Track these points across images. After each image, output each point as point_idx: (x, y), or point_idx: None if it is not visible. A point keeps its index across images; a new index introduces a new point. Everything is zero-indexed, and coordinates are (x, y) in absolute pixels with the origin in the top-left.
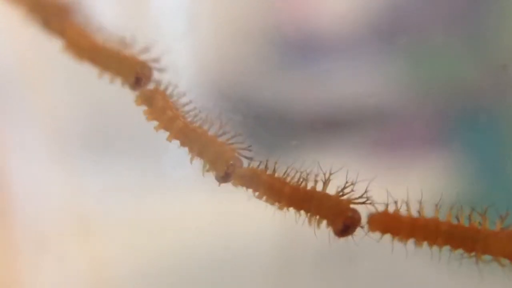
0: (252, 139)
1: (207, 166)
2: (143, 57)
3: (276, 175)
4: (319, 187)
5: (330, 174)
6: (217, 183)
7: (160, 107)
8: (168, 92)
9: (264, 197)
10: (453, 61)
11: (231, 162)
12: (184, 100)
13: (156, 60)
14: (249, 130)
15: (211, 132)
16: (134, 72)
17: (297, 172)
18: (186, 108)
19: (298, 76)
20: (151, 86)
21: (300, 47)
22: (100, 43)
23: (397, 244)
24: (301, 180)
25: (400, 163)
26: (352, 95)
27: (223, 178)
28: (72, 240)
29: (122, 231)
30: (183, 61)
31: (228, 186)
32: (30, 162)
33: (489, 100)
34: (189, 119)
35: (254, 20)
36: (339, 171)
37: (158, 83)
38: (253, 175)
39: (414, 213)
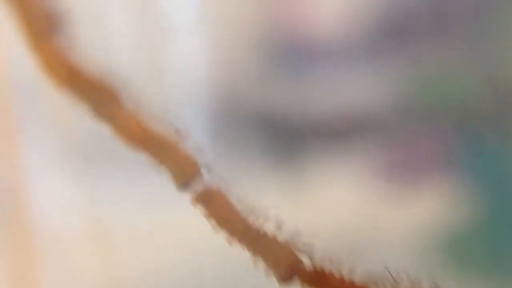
0: (250, 145)
1: (268, 268)
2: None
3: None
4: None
5: None
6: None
7: (218, 207)
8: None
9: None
10: (458, 75)
11: (293, 265)
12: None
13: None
14: (246, 136)
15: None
16: (189, 175)
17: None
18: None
19: (295, 83)
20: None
21: (297, 53)
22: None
23: None
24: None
25: (404, 185)
26: (350, 103)
27: (285, 280)
28: (88, 246)
29: (138, 239)
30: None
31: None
32: (46, 171)
33: (496, 122)
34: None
35: (250, 25)
36: None
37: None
38: None
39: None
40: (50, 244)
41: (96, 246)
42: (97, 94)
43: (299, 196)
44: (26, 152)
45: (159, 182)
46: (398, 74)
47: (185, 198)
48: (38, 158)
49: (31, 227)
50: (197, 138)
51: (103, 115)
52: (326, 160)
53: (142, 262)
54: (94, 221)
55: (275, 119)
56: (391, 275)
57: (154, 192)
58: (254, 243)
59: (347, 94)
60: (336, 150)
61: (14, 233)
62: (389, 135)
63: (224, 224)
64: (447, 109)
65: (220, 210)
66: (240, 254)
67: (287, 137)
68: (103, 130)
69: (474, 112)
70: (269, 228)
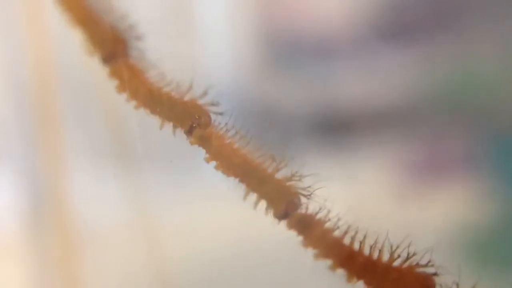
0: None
1: (265, 204)
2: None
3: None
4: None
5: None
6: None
7: (217, 147)
8: (222, 129)
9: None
10: (480, 71)
11: (290, 200)
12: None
13: (214, 104)
14: (248, 130)
15: (269, 167)
16: (190, 119)
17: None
18: (240, 142)
19: (298, 78)
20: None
21: (299, 49)
22: (156, 87)
23: None
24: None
25: (428, 184)
26: (354, 97)
27: (283, 216)
28: (133, 240)
29: (182, 232)
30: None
31: None
32: (90, 166)
33: None
34: (245, 153)
35: (253, 22)
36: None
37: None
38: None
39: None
40: (94, 239)
41: (141, 240)
42: (107, 42)
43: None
44: (70, 147)
45: (203, 176)
46: (408, 70)
47: (229, 191)
48: (82, 153)
49: (75, 223)
50: None
51: (112, 67)
52: (341, 157)
53: (186, 255)
54: (138, 216)
55: (278, 115)
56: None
57: (197, 186)
58: (250, 179)
59: (353, 89)
60: (352, 147)
61: (58, 229)
62: (410, 133)
63: (223, 162)
64: (471, 107)
65: (218, 149)
66: (285, 245)
67: (291, 132)
68: (147, 125)
69: (500, 110)
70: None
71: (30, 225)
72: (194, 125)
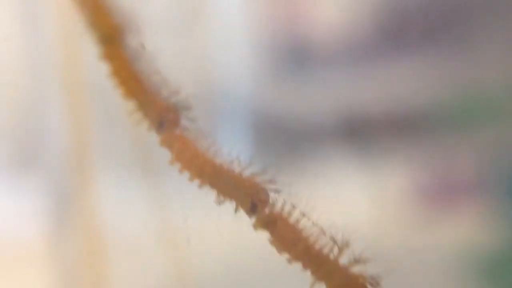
0: (254, 148)
1: (234, 204)
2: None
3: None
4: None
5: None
6: None
7: (182, 151)
8: (190, 134)
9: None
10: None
11: (256, 194)
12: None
13: (187, 107)
14: (250, 138)
15: (232, 168)
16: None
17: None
18: (207, 145)
19: (306, 83)
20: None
21: (301, 54)
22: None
23: None
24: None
25: (440, 207)
26: (359, 103)
27: (252, 211)
28: (155, 247)
29: (204, 239)
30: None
31: None
32: (114, 173)
33: None
34: (209, 155)
35: (255, 27)
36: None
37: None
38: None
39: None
40: (119, 247)
41: (165, 247)
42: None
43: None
44: (96, 153)
45: None
46: (415, 76)
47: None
48: (107, 160)
49: (100, 230)
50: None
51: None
52: (349, 164)
53: (210, 262)
54: (163, 223)
55: (277, 121)
56: None
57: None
58: (215, 181)
59: (361, 96)
60: (360, 154)
61: (83, 236)
62: (421, 152)
63: (189, 167)
64: (482, 124)
65: (182, 153)
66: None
67: (289, 139)
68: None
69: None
70: None
71: (55, 232)
72: (161, 122)
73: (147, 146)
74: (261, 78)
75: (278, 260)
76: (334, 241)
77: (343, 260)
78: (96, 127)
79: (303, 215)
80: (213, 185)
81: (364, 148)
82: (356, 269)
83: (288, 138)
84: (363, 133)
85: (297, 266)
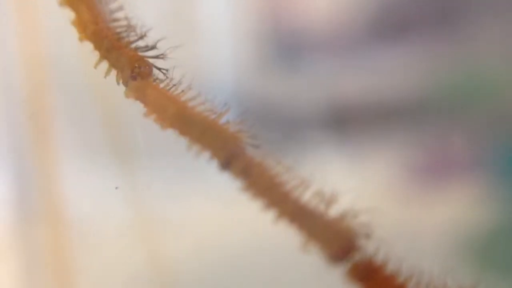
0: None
1: (207, 153)
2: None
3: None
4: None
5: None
6: None
7: (153, 98)
8: (163, 82)
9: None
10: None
11: (232, 146)
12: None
13: (160, 57)
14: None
15: (211, 117)
16: (130, 69)
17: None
18: (183, 93)
19: (301, 76)
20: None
21: (298, 46)
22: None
23: None
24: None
25: (430, 185)
26: (356, 95)
27: (225, 165)
28: (128, 239)
29: (179, 231)
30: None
31: None
32: (85, 163)
33: None
34: (185, 104)
35: (253, 20)
36: None
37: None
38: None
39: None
40: (87, 236)
41: (137, 237)
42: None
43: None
44: (64, 142)
45: (204, 173)
46: (410, 68)
47: (229, 190)
48: (77, 148)
49: (69, 220)
50: None
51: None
52: (338, 156)
53: (184, 253)
54: (135, 212)
55: (277, 112)
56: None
57: (198, 183)
58: (190, 129)
59: (355, 88)
60: (354, 145)
61: (51, 225)
62: (414, 132)
63: (159, 112)
64: (475, 108)
65: (154, 99)
66: (286, 244)
67: (290, 130)
68: (146, 120)
69: (505, 112)
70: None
71: (20, 221)
72: (133, 75)
73: (120, 134)
74: (248, 68)
75: (257, 253)
76: (320, 195)
77: (332, 213)
78: (61, 110)
79: (287, 169)
80: (185, 133)
81: (354, 134)
82: (345, 223)
83: (277, 127)
84: (352, 120)
85: (276, 254)
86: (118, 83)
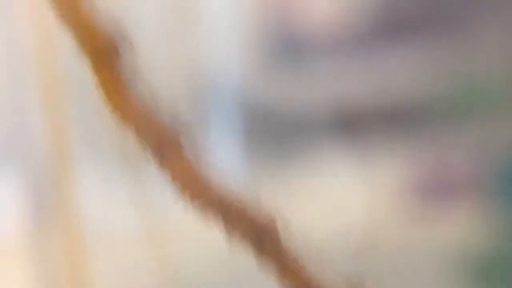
0: (246, 140)
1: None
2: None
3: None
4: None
5: None
6: None
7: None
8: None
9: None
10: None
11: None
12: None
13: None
14: (242, 130)
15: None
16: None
17: None
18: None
19: (302, 76)
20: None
21: (298, 47)
22: None
23: None
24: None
25: (433, 205)
26: (357, 94)
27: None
28: (138, 244)
29: (189, 236)
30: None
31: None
32: (96, 169)
33: None
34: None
35: (251, 21)
36: None
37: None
38: None
39: None
40: (99, 240)
41: (147, 241)
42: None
43: (304, 199)
44: (76, 148)
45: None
46: (411, 70)
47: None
48: (88, 154)
49: (81, 224)
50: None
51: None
52: (344, 155)
53: (192, 257)
54: (144, 217)
55: (269, 113)
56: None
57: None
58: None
59: (357, 88)
60: (355, 147)
61: (63, 230)
62: (416, 137)
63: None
64: (477, 117)
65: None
66: None
67: (281, 131)
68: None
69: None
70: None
71: (35, 226)
72: None
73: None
74: (253, 70)
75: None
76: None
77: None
78: (75, 121)
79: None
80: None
81: (358, 141)
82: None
83: (280, 130)
84: (356, 126)
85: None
86: None
